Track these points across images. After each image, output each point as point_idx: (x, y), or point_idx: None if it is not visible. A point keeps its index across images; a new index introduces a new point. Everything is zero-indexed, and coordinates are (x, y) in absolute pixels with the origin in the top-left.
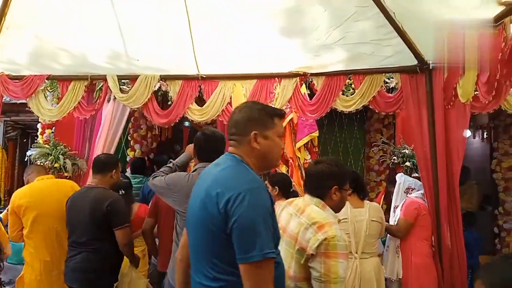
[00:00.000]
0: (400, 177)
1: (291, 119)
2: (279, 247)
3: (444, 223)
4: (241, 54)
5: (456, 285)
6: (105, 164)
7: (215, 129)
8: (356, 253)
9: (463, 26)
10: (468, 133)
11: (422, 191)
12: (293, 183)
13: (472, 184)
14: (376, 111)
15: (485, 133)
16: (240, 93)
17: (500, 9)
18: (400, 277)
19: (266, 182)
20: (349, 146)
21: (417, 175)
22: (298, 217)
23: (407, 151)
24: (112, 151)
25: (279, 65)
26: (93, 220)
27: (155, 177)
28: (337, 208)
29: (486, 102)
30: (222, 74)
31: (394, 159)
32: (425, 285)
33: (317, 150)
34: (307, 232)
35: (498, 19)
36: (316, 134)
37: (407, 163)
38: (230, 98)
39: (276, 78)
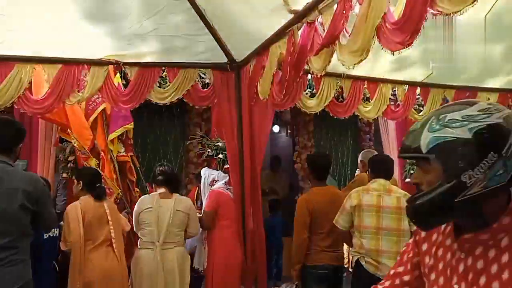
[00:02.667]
0: (204, 172)
1: (104, 110)
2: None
3: (248, 208)
4: (42, 35)
5: (258, 264)
6: None
7: None
8: (158, 241)
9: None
10: (276, 128)
11: (224, 181)
12: (103, 177)
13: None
14: (191, 104)
15: (289, 129)
16: (42, 79)
17: (291, 16)
18: (205, 266)
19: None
20: (169, 139)
21: (227, 166)
22: (389, 195)
23: (220, 144)
24: None
25: (88, 51)
26: None
27: None
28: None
29: (279, 100)
30: (18, 55)
31: (208, 152)
32: (230, 270)
33: (132, 142)
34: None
35: (288, 26)
36: (131, 126)
37: (220, 155)
38: (30, 83)
39: (85, 65)
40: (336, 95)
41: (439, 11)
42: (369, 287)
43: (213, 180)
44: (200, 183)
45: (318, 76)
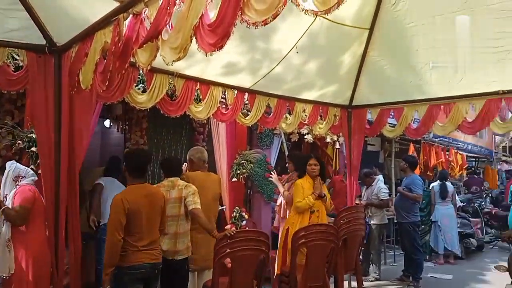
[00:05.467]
0: (10, 165)
1: None
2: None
3: (63, 206)
4: None
5: (72, 266)
6: None
7: None
8: None
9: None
10: (107, 123)
11: (33, 178)
12: None
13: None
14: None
15: (120, 124)
16: None
17: (116, 4)
18: (13, 272)
19: None
20: None
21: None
22: (174, 189)
23: (34, 136)
24: None
25: None
26: None
27: None
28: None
29: (102, 91)
30: None
31: (19, 144)
32: (42, 272)
33: None
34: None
35: (114, 15)
36: None
37: (33, 148)
38: None
39: None
40: (170, 93)
41: (246, 19)
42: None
43: (18, 176)
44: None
45: (145, 71)
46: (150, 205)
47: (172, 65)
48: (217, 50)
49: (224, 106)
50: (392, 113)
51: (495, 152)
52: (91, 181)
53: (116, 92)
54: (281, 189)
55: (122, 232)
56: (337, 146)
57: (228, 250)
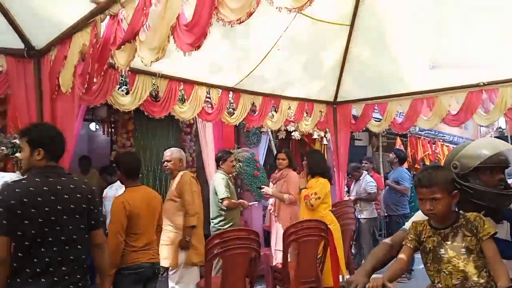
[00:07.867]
0: None
1: None
2: None
3: None
4: None
5: None
6: None
7: None
8: None
9: None
10: (93, 126)
11: None
12: None
13: (94, 171)
14: None
15: (106, 127)
16: None
17: (93, 6)
18: None
19: None
20: None
21: None
22: None
23: (17, 141)
24: None
25: None
26: None
27: None
28: None
29: (82, 93)
30: None
31: (3, 150)
32: None
33: None
34: None
35: (91, 16)
36: None
37: (17, 154)
38: None
39: None
40: (154, 94)
41: (221, 18)
42: None
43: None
44: None
45: (126, 72)
46: (149, 207)
47: (151, 65)
48: (195, 49)
49: (209, 105)
50: (377, 108)
51: None
52: None
53: (98, 94)
54: (281, 196)
55: (124, 233)
56: (325, 142)
57: (219, 250)
